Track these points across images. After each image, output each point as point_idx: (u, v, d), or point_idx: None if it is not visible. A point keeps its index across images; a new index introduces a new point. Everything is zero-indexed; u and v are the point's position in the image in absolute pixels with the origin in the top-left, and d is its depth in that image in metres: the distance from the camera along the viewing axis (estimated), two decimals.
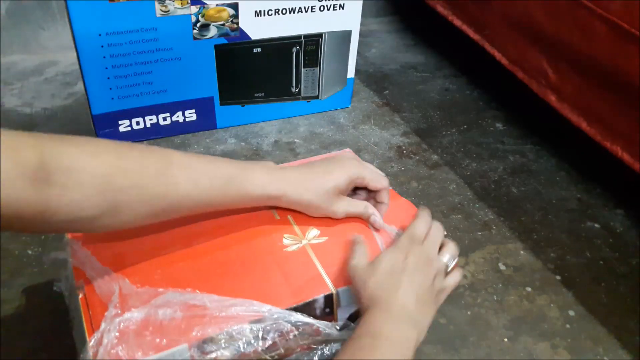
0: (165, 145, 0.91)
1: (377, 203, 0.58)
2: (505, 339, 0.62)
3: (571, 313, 0.65)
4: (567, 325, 0.64)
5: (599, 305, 0.66)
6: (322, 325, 0.48)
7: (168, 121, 0.92)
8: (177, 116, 0.92)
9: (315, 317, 0.49)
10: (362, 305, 0.48)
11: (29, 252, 0.70)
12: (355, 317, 0.52)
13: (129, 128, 0.89)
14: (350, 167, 0.55)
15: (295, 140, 0.94)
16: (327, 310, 0.51)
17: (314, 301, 0.49)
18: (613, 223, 0.79)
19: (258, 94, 0.96)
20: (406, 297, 0.47)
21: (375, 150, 0.93)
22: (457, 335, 0.62)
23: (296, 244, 0.54)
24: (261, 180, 0.51)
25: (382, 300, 0.47)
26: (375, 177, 0.57)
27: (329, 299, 0.50)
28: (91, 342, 0.42)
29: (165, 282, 0.49)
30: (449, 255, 0.53)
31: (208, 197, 0.49)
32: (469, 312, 0.65)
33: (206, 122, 0.95)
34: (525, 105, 1.02)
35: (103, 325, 0.44)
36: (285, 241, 0.55)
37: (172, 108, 0.91)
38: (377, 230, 0.57)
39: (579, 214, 0.81)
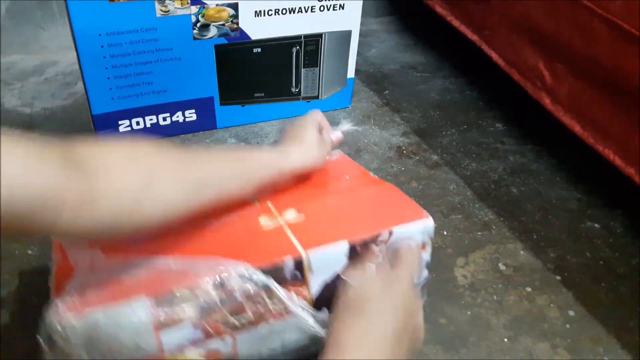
0: None
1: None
2: (505, 339, 0.62)
3: (571, 313, 0.65)
4: (567, 325, 0.64)
5: (599, 305, 0.66)
6: (283, 293, 0.49)
7: (168, 121, 0.92)
8: (177, 116, 0.92)
9: (286, 282, 0.49)
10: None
11: (29, 252, 0.70)
12: (328, 295, 0.51)
13: (129, 128, 0.89)
14: (308, 121, 0.66)
15: None
16: (298, 274, 0.50)
17: (284, 264, 0.49)
18: (613, 223, 0.79)
19: (258, 94, 0.96)
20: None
21: (375, 150, 0.93)
22: (457, 335, 0.62)
23: (273, 223, 0.55)
24: (267, 155, 0.56)
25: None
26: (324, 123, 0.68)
27: (298, 262, 0.50)
28: (51, 306, 0.43)
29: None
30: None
31: (229, 178, 0.52)
32: (469, 312, 0.65)
33: (206, 122, 0.95)
34: (525, 105, 1.02)
35: (66, 289, 0.45)
36: (262, 221, 0.55)
37: (172, 108, 0.91)
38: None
39: (579, 214, 0.81)
